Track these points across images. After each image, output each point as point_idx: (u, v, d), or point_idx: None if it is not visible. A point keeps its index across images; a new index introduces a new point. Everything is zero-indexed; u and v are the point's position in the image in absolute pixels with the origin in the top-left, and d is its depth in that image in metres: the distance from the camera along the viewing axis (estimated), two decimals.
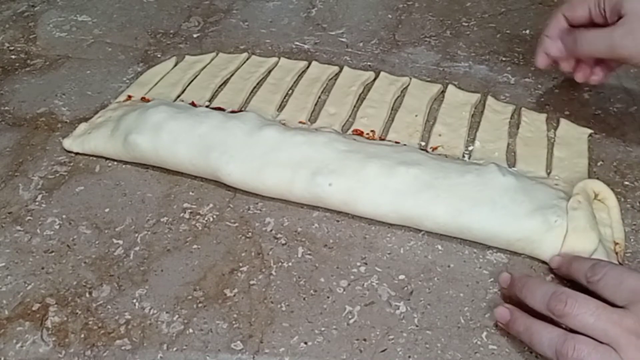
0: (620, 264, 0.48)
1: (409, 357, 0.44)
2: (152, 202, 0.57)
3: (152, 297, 0.49)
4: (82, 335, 0.46)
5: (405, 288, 0.48)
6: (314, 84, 0.68)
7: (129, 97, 0.68)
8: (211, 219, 0.55)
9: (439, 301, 0.47)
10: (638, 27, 0.51)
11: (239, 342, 0.45)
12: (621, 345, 0.38)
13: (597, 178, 0.54)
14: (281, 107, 0.66)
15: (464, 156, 0.59)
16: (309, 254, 0.51)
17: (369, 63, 0.72)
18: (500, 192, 0.51)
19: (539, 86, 0.67)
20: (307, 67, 0.71)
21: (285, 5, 0.84)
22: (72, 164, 0.61)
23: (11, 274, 0.51)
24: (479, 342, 0.45)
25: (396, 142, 0.60)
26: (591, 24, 0.56)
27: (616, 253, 0.49)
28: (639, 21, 0.50)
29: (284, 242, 0.52)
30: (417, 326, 0.46)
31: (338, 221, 0.54)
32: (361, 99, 0.66)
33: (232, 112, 0.63)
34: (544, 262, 0.49)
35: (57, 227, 0.55)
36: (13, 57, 0.77)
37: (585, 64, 0.59)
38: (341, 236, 0.53)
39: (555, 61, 0.59)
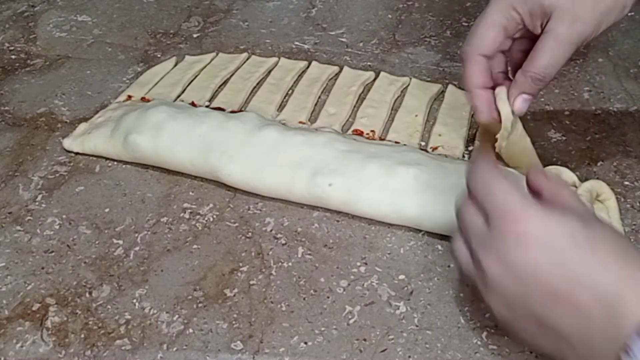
0: None
1: (409, 357, 0.44)
2: (152, 202, 0.57)
3: (152, 297, 0.49)
4: (82, 335, 0.46)
5: (405, 288, 0.48)
6: (314, 84, 0.68)
7: (129, 97, 0.68)
8: (211, 219, 0.55)
9: (439, 301, 0.47)
10: (574, 5, 0.45)
11: (239, 342, 0.45)
12: None
13: (597, 178, 0.54)
14: (281, 107, 0.66)
15: (464, 156, 0.59)
16: (309, 254, 0.51)
17: (369, 63, 0.72)
18: None
19: None
20: (307, 67, 0.71)
21: (285, 5, 0.84)
22: (72, 164, 0.61)
23: (11, 274, 0.51)
24: (479, 342, 0.44)
25: (396, 142, 0.60)
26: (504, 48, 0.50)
27: None
28: (568, 3, 0.46)
29: (284, 242, 0.52)
30: (417, 326, 0.46)
31: (338, 221, 0.54)
32: (361, 99, 0.66)
33: (232, 112, 0.63)
34: None
35: (57, 227, 0.55)
36: (13, 57, 0.77)
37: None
38: (341, 236, 0.53)
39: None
